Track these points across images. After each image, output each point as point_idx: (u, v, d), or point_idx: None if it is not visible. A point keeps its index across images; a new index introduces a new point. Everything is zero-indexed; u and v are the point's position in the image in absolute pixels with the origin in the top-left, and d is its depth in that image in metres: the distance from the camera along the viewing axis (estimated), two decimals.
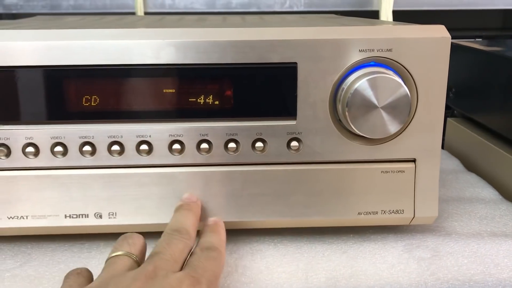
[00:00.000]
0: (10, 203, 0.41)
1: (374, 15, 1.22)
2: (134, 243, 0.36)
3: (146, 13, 1.23)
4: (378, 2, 1.08)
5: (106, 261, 0.34)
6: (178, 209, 0.40)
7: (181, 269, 0.34)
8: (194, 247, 0.37)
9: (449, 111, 0.76)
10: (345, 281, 0.38)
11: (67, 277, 0.35)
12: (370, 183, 0.42)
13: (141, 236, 0.37)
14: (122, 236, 0.37)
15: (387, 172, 0.42)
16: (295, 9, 1.47)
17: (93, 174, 0.41)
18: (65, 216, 0.41)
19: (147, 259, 0.34)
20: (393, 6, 1.26)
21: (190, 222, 0.38)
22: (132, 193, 0.41)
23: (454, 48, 0.71)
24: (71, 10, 1.33)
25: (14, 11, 1.39)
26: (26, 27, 0.42)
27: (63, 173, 0.41)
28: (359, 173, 0.42)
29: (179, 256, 0.35)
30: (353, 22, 0.51)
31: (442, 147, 0.74)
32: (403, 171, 0.42)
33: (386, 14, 1.29)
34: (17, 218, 0.41)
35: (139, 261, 0.35)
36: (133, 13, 1.13)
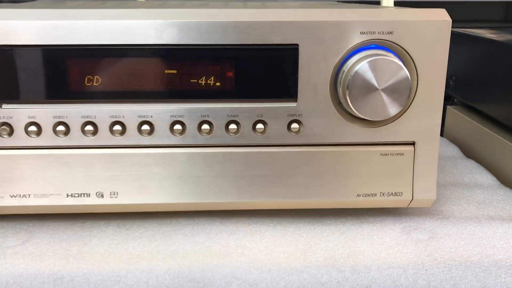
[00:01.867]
0: (12, 181, 0.41)
1: (376, 4, 1.22)
2: None
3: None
4: None
5: None
6: None
7: None
8: None
9: (449, 99, 0.76)
10: (343, 261, 0.39)
11: None
12: (369, 165, 0.42)
13: None
14: None
15: (386, 154, 0.42)
16: None
17: (95, 153, 0.41)
18: (67, 195, 0.42)
19: None
20: None
21: None
22: (133, 173, 0.42)
23: (455, 36, 0.71)
24: None
25: None
26: (29, 7, 0.42)
27: (65, 152, 0.41)
28: (358, 155, 0.42)
29: None
30: (354, 6, 0.51)
31: (442, 135, 0.74)
32: (402, 154, 0.42)
33: (388, 4, 1.29)
34: (20, 196, 0.42)
35: None
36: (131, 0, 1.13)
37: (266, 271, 0.38)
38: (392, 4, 1.30)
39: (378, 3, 1.29)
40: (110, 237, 0.42)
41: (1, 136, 0.40)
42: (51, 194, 0.42)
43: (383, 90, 0.39)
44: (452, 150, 0.65)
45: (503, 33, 0.71)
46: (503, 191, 0.52)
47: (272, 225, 0.44)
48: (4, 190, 0.41)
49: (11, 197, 0.41)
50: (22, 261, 0.38)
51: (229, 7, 0.55)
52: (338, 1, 0.88)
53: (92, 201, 0.42)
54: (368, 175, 0.43)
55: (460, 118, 0.70)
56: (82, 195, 0.42)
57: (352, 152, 0.42)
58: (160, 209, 0.43)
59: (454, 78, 0.71)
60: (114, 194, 0.42)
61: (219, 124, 0.41)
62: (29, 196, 0.42)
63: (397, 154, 0.42)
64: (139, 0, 1.11)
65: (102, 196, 0.42)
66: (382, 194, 0.43)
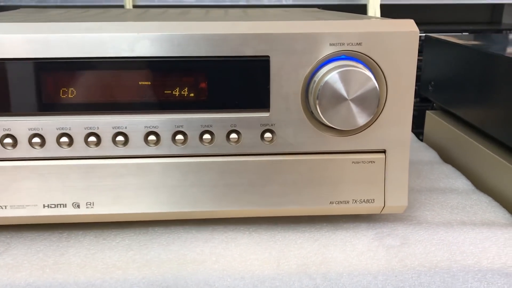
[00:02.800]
0: None
1: (362, 9, 1.23)
2: None
3: (134, 6, 1.23)
4: None
5: None
6: None
7: None
8: None
9: (429, 104, 0.78)
10: (315, 268, 0.40)
11: None
12: (341, 173, 0.43)
13: None
14: None
15: (358, 162, 0.43)
16: (283, 2, 1.47)
17: (70, 164, 0.42)
18: (44, 206, 0.42)
19: None
20: (381, 0, 1.27)
21: None
22: (109, 184, 0.42)
23: (434, 42, 0.72)
24: (59, 3, 1.33)
25: (1, 3, 1.38)
26: (6, 20, 0.42)
27: (41, 163, 0.42)
28: (331, 163, 0.43)
29: None
30: (330, 17, 0.52)
31: (421, 140, 0.75)
32: (374, 162, 0.43)
33: (374, 8, 1.30)
34: None
35: None
36: (122, 6, 1.13)
37: (239, 278, 0.38)
38: (378, 10, 1.31)
39: (365, 7, 1.29)
40: (87, 247, 0.42)
41: None
42: (28, 205, 0.42)
43: (352, 100, 0.40)
44: (430, 155, 0.66)
45: (481, 39, 0.73)
46: (476, 195, 0.53)
47: (247, 233, 0.45)
48: None
49: None
50: None
51: (209, 15, 0.56)
52: (324, 8, 0.89)
53: (68, 212, 0.42)
54: (341, 183, 0.43)
55: (438, 123, 0.71)
56: (59, 205, 0.42)
57: (325, 160, 0.43)
58: (136, 219, 0.44)
59: (433, 83, 0.72)
60: (90, 204, 0.43)
61: (193, 134, 0.42)
62: (5, 208, 0.42)
63: (369, 162, 0.43)
64: (127, 7, 1.11)
65: (78, 206, 0.42)
66: (354, 201, 0.44)
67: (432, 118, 0.74)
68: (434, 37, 0.71)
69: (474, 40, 0.70)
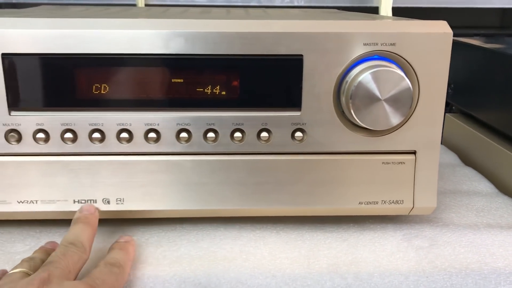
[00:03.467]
0: (20, 187, 0.42)
1: (373, 11, 1.23)
2: (35, 264, 0.36)
3: (146, 5, 1.23)
4: None
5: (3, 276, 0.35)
6: (75, 221, 0.39)
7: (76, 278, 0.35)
8: (99, 262, 0.37)
9: (448, 107, 0.77)
10: (346, 267, 0.40)
11: None
12: (371, 174, 0.43)
13: (42, 260, 0.36)
14: (24, 259, 0.37)
15: (388, 163, 0.43)
16: (295, 3, 1.47)
17: (101, 160, 0.42)
18: (74, 201, 0.42)
19: (42, 267, 0.34)
20: (392, 3, 1.27)
21: (86, 236, 0.38)
22: (139, 180, 0.42)
23: (454, 44, 0.72)
24: (72, 0, 1.34)
25: (14, 1, 1.39)
26: (37, 16, 0.43)
27: (72, 159, 0.42)
28: (361, 164, 0.43)
29: (73, 267, 0.35)
30: (356, 17, 0.52)
31: (440, 142, 0.75)
32: (404, 163, 0.43)
33: (386, 11, 1.30)
34: (27, 202, 0.42)
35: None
36: (134, 5, 1.14)
37: (270, 276, 0.38)
38: (390, 12, 1.31)
39: (376, 9, 1.30)
40: None
41: (10, 143, 0.41)
42: (58, 200, 0.42)
43: (385, 100, 0.40)
44: (451, 158, 0.66)
45: (498, 41, 0.73)
46: (501, 199, 0.53)
47: (275, 231, 0.45)
48: (12, 196, 0.42)
49: (19, 203, 0.42)
50: None
51: (232, 14, 0.56)
52: (337, 9, 0.89)
53: (98, 207, 0.42)
54: (370, 183, 0.43)
55: (458, 125, 0.71)
56: (89, 201, 0.43)
57: (355, 160, 0.43)
58: (165, 215, 0.44)
59: (452, 86, 0.72)
60: (120, 200, 0.43)
61: (224, 132, 0.42)
62: (36, 202, 0.42)
63: (399, 163, 0.43)
64: (140, 6, 1.12)
65: (108, 202, 0.43)
66: (383, 202, 0.44)
67: (451, 120, 0.74)
68: (454, 40, 0.71)
69: (493, 43, 0.70)
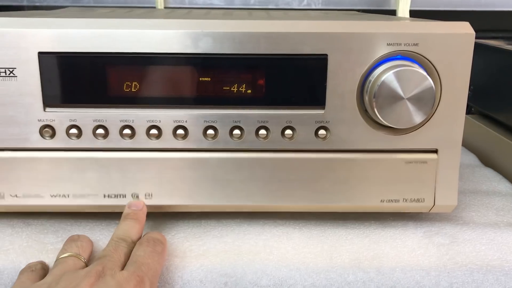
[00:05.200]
0: (53, 182, 0.43)
1: (391, 14, 1.23)
2: (82, 246, 0.39)
3: (166, 8, 1.25)
4: (395, 1, 1.10)
5: (56, 261, 0.38)
6: (124, 218, 0.42)
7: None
8: (141, 239, 0.40)
9: (467, 109, 0.78)
10: (368, 262, 0.41)
11: (21, 273, 0.38)
12: (393, 172, 0.44)
13: (89, 239, 0.40)
14: (70, 237, 0.40)
15: (410, 162, 0.44)
16: (313, 6, 1.48)
17: (131, 157, 0.43)
18: (104, 196, 0.44)
19: (96, 260, 0.37)
20: (410, 6, 1.28)
21: (135, 231, 0.41)
22: (167, 176, 0.44)
23: (474, 46, 0.72)
24: (92, 3, 1.37)
25: (37, 3, 1.42)
26: (68, 16, 0.44)
27: (103, 155, 0.43)
28: (384, 163, 0.44)
29: (125, 261, 0.37)
30: (377, 18, 0.53)
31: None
32: (426, 162, 0.44)
33: (403, 14, 1.30)
34: (59, 196, 0.44)
35: (86, 263, 0.38)
36: (154, 8, 1.16)
37: (294, 269, 0.39)
38: (407, 15, 1.32)
39: (394, 12, 1.30)
40: None
41: (44, 138, 0.42)
42: (89, 195, 0.44)
43: (408, 99, 0.41)
44: (470, 159, 0.66)
45: None
46: None
47: (298, 227, 0.46)
48: (45, 190, 0.43)
49: (51, 196, 0.44)
50: None
51: (254, 16, 0.57)
52: (357, 11, 0.90)
53: (128, 202, 0.44)
54: (392, 182, 0.44)
55: (478, 127, 0.72)
56: (119, 196, 0.44)
57: (378, 159, 0.44)
58: (193, 210, 0.45)
59: (472, 87, 0.73)
60: (148, 195, 0.44)
61: (249, 130, 0.43)
62: (68, 196, 0.44)
63: (421, 162, 0.44)
64: (159, 7, 1.14)
65: (137, 197, 0.44)
66: (405, 200, 0.45)
67: (471, 122, 0.74)
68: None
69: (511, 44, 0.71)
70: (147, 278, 0.35)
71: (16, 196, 0.44)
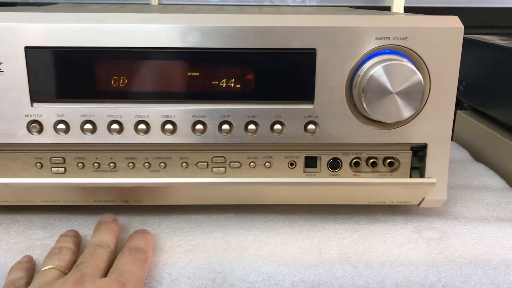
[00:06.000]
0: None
1: (385, 11, 1.23)
2: (64, 257, 0.38)
3: (160, 4, 1.24)
4: None
5: (36, 274, 0.36)
6: (98, 228, 0.42)
7: (106, 274, 0.36)
8: (123, 248, 0.39)
9: (459, 104, 0.78)
10: (357, 257, 0.41)
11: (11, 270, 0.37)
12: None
13: (70, 250, 0.39)
14: (52, 250, 0.39)
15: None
16: (307, 3, 1.48)
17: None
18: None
19: (73, 268, 0.36)
20: (405, 3, 1.28)
21: (110, 237, 0.40)
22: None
23: (465, 41, 0.72)
24: (86, 0, 1.36)
25: (30, 0, 1.41)
26: (59, 11, 0.44)
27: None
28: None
29: (102, 265, 0.37)
30: (367, 13, 0.53)
31: (451, 139, 0.75)
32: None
33: (398, 10, 1.30)
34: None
35: (67, 273, 0.37)
36: (147, 4, 1.15)
37: (283, 264, 0.39)
38: (402, 10, 1.31)
39: (388, 9, 1.30)
40: None
41: (31, 134, 0.42)
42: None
43: (397, 93, 0.40)
44: (462, 154, 0.66)
45: (511, 39, 0.73)
46: (511, 193, 0.53)
47: (287, 222, 0.46)
48: None
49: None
50: None
51: (245, 11, 0.57)
52: (349, 7, 0.90)
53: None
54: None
55: (469, 122, 0.72)
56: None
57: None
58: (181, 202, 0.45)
59: (463, 83, 0.73)
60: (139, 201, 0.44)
61: (238, 124, 0.43)
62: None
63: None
64: (154, 4, 1.13)
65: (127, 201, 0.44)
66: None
67: (462, 117, 0.74)
68: (465, 37, 0.72)
69: (506, 40, 0.71)
70: (130, 284, 0.35)
71: None
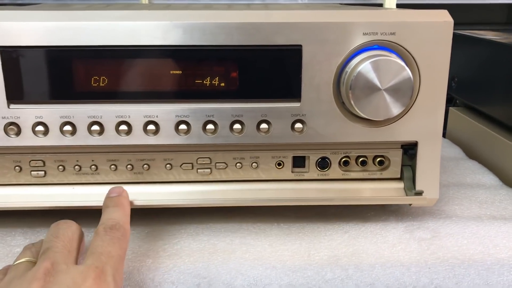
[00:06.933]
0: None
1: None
2: (36, 249, 0.35)
3: (149, 3, 1.23)
4: None
5: (9, 269, 0.34)
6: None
7: (77, 258, 0.33)
8: (97, 226, 0.36)
9: (451, 101, 0.77)
10: (347, 259, 0.39)
11: None
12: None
13: (43, 240, 0.36)
14: (26, 246, 0.36)
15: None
16: (299, 1, 1.47)
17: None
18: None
19: (40, 255, 0.33)
20: (397, 0, 1.27)
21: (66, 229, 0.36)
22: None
23: (457, 37, 0.72)
24: (76, 1, 1.34)
25: (19, 1, 1.40)
26: (39, 10, 0.43)
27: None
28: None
29: (71, 245, 0.34)
30: (356, 8, 0.52)
31: (444, 136, 0.75)
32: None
33: (390, 7, 1.29)
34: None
35: None
36: (136, 3, 1.14)
37: (270, 267, 0.38)
38: (394, 6, 1.31)
39: (381, 6, 1.30)
40: None
41: (9, 136, 0.41)
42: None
43: (385, 90, 0.39)
44: (455, 151, 0.65)
45: (505, 34, 0.72)
46: (505, 191, 0.52)
47: (276, 224, 0.45)
48: None
49: None
50: None
51: (233, 8, 0.56)
52: (340, 4, 0.88)
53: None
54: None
55: (462, 119, 0.71)
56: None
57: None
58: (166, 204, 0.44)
59: (456, 79, 0.72)
60: None
61: (223, 124, 0.42)
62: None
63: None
64: (143, 3, 1.12)
65: None
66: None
67: (455, 114, 0.73)
68: (457, 32, 0.71)
69: (499, 35, 0.70)
70: (109, 266, 0.32)
71: None
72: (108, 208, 0.38)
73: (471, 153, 0.66)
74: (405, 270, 0.38)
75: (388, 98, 0.39)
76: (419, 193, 0.43)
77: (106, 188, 0.42)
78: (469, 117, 0.69)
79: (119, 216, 0.37)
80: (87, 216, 0.45)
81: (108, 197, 0.40)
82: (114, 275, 0.32)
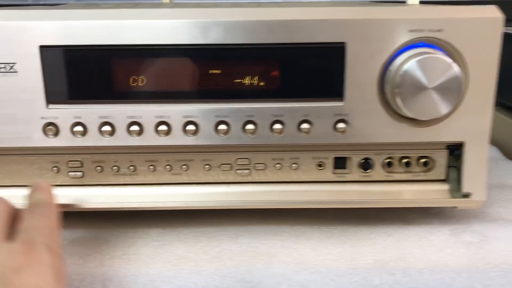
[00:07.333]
0: None
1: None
2: None
3: (172, 3, 1.23)
4: None
5: None
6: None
7: (10, 234, 0.32)
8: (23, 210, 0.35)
9: None
10: (393, 263, 0.38)
11: None
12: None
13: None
14: None
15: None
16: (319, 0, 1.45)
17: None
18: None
19: None
20: None
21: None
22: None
23: None
24: (101, 1, 1.34)
25: (41, 3, 1.41)
26: (73, 8, 0.42)
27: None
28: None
29: (0, 223, 0.33)
30: (385, 5, 0.50)
31: None
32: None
33: (413, 3, 1.27)
34: None
35: None
36: (160, 3, 1.13)
37: (315, 272, 0.37)
38: (417, 2, 1.28)
39: (403, 2, 1.27)
40: (155, 238, 0.42)
41: (47, 136, 0.40)
42: None
43: (433, 88, 0.38)
44: (493, 152, 0.63)
45: None
46: None
47: (316, 227, 0.43)
48: None
49: None
50: (69, 261, 0.38)
51: (263, 6, 0.55)
52: (368, 1, 0.87)
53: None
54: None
55: (499, 119, 0.69)
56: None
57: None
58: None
59: None
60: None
61: (263, 124, 0.41)
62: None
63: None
64: (166, 2, 1.11)
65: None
66: None
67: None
68: None
69: None
70: (40, 239, 0.31)
71: None
72: (32, 193, 0.37)
73: (510, 154, 0.64)
74: (455, 276, 0.37)
75: (435, 97, 0.38)
76: (467, 195, 0.41)
77: (144, 190, 0.42)
78: (508, 116, 0.67)
79: (40, 194, 0.36)
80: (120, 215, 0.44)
81: (31, 187, 0.38)
82: (48, 245, 0.31)
